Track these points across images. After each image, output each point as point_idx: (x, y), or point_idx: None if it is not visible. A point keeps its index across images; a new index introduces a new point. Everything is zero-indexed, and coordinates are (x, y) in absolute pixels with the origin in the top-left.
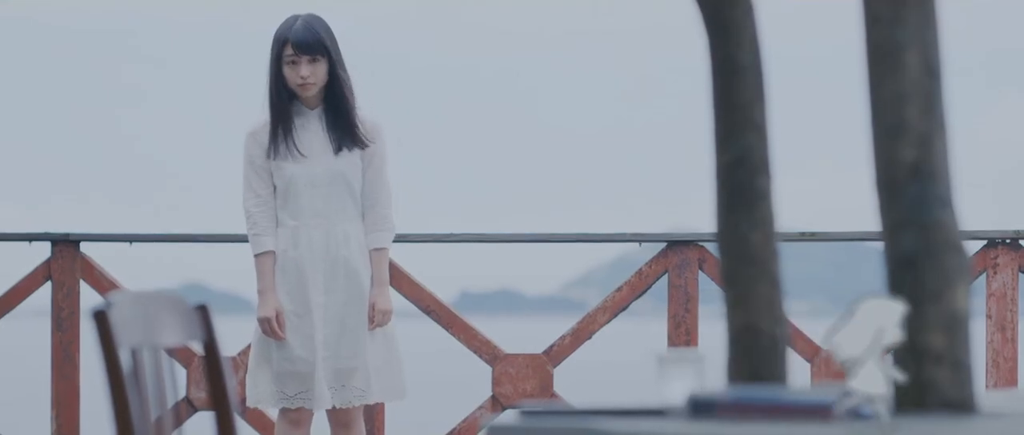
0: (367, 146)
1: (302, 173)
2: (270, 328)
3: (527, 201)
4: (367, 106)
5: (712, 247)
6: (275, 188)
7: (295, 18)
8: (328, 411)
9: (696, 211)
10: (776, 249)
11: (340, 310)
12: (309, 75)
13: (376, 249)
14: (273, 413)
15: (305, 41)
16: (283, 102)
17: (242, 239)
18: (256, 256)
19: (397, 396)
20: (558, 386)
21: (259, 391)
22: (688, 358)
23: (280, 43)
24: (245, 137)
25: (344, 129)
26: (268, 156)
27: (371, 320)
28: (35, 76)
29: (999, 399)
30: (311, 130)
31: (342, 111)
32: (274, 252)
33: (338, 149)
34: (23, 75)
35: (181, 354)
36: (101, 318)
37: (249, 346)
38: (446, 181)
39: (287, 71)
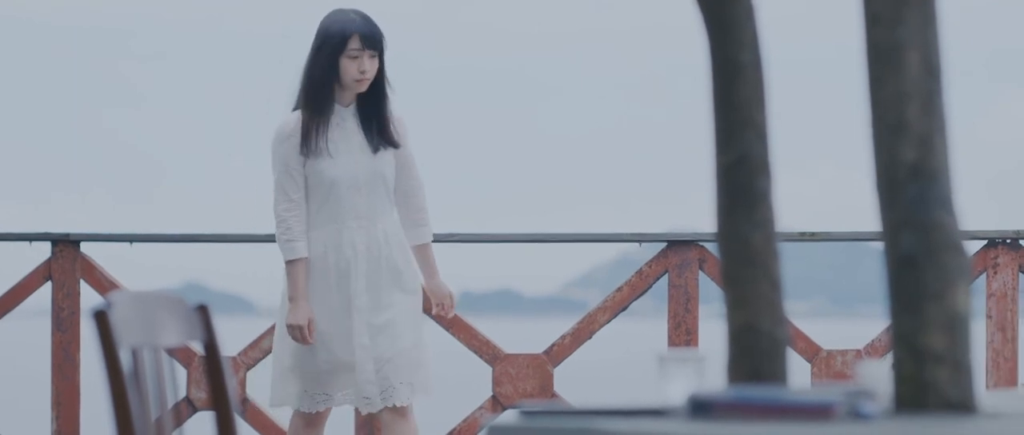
0: (400, 144)
1: (344, 175)
2: (301, 335)
3: (527, 201)
4: None
5: (712, 247)
6: (307, 189)
7: (348, 12)
8: (377, 412)
9: (696, 211)
10: (776, 249)
11: (384, 310)
12: (368, 70)
13: (424, 244)
14: (275, 413)
15: (372, 35)
16: (326, 97)
17: (242, 239)
18: (288, 262)
19: (428, 392)
20: (558, 386)
21: (287, 393)
22: (688, 358)
23: (341, 37)
24: (275, 140)
25: (381, 128)
26: (302, 155)
27: (450, 308)
28: (35, 76)
29: (999, 399)
30: (347, 129)
31: (381, 109)
32: (307, 258)
33: (376, 149)
34: (23, 75)
35: (181, 354)
36: (101, 318)
37: (251, 345)
38: (446, 181)
39: (347, 64)
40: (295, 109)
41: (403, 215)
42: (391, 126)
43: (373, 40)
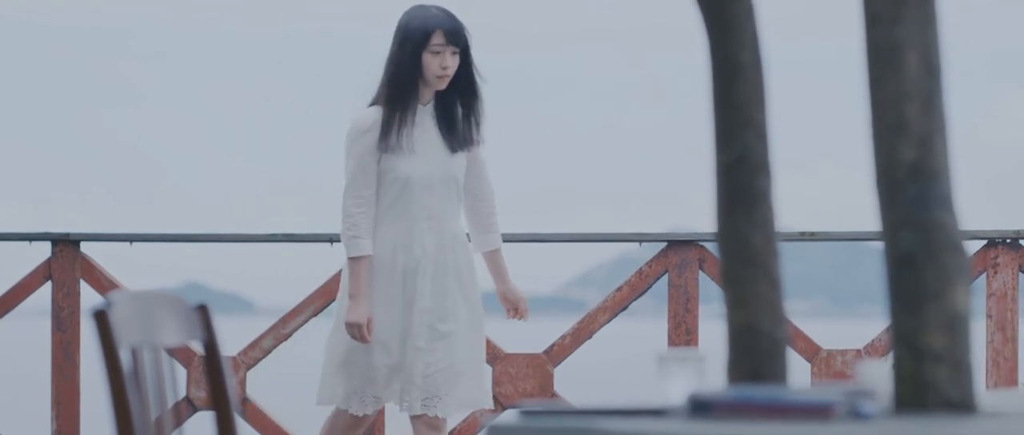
0: (476, 145)
1: (419, 173)
2: (359, 334)
3: (527, 200)
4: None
5: (712, 246)
6: (379, 186)
7: (430, 8)
8: (416, 416)
9: (696, 211)
10: (776, 249)
11: (449, 320)
12: (450, 66)
13: (495, 250)
14: (275, 413)
15: (455, 30)
16: (410, 94)
17: (242, 239)
18: (351, 259)
19: (485, 404)
20: (558, 386)
21: (335, 392)
22: (688, 358)
23: (424, 32)
24: (351, 135)
25: (462, 127)
26: (379, 151)
27: (525, 311)
28: (35, 76)
29: (999, 399)
30: (425, 127)
31: (471, 106)
32: (371, 257)
33: (453, 149)
34: (23, 75)
35: (181, 354)
36: (101, 317)
37: (251, 345)
38: None
39: (429, 60)
40: (372, 104)
41: (472, 220)
42: (473, 126)
43: (456, 36)
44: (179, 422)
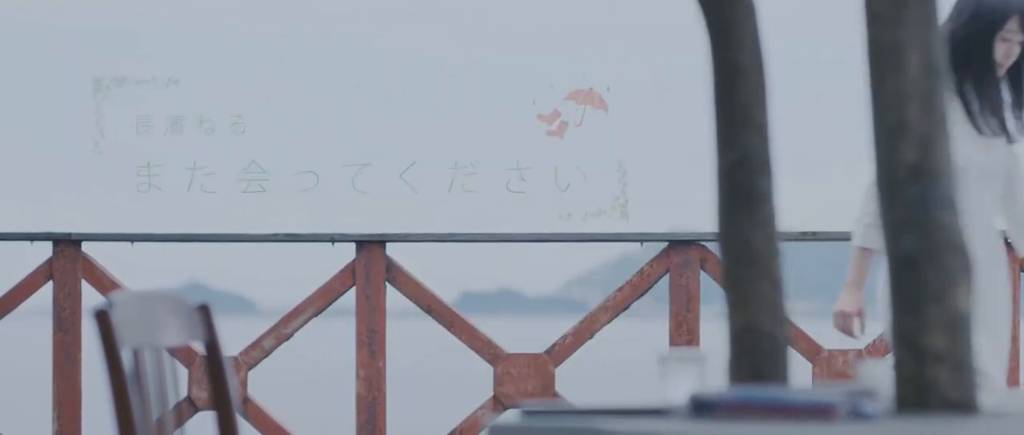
0: (1016, 139)
1: (979, 160)
2: (845, 325)
3: (529, 200)
4: (377, 107)
5: (714, 247)
6: None
7: None
8: None
9: (698, 211)
10: (777, 249)
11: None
12: (1014, 55)
13: None
14: (276, 413)
15: None
16: (976, 75)
17: (243, 239)
18: (861, 248)
19: None
20: (560, 386)
21: None
22: (690, 358)
23: (1005, 15)
24: None
25: (1013, 116)
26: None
27: None
28: (35, 75)
29: (1000, 400)
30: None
31: (1020, 96)
32: (874, 252)
33: (1011, 138)
34: (23, 74)
35: (182, 354)
36: (103, 318)
37: (252, 345)
38: (448, 180)
39: (998, 45)
40: None
41: (1011, 221)
42: (1021, 116)
43: None
44: (180, 422)
